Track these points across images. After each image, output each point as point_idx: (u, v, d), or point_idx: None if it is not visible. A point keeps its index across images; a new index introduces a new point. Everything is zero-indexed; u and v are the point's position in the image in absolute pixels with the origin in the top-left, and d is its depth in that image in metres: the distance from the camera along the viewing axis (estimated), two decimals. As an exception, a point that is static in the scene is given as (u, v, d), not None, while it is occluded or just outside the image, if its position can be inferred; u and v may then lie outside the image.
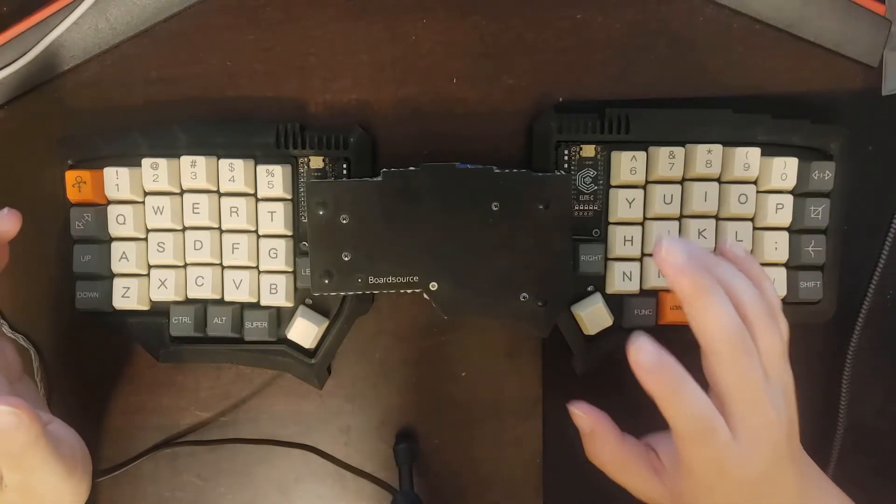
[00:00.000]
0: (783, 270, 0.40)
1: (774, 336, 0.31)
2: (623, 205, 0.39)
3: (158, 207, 0.39)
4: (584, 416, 0.33)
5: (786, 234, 0.40)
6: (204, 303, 0.40)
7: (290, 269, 0.40)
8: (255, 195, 0.40)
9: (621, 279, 0.39)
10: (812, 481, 0.34)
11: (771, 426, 0.30)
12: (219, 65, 0.42)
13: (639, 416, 0.33)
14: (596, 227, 0.40)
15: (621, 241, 0.40)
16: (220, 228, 0.40)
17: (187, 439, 0.43)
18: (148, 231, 0.40)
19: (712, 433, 0.30)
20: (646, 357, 0.29)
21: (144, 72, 0.42)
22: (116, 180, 0.39)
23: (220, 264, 0.40)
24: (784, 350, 0.32)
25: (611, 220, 0.40)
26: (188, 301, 0.40)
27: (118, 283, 0.40)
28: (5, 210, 0.35)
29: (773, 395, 0.31)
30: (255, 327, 0.40)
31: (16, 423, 0.29)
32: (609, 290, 0.40)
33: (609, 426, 0.34)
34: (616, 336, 0.40)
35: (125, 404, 0.43)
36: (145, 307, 0.41)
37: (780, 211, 0.39)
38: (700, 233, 0.39)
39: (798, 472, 0.33)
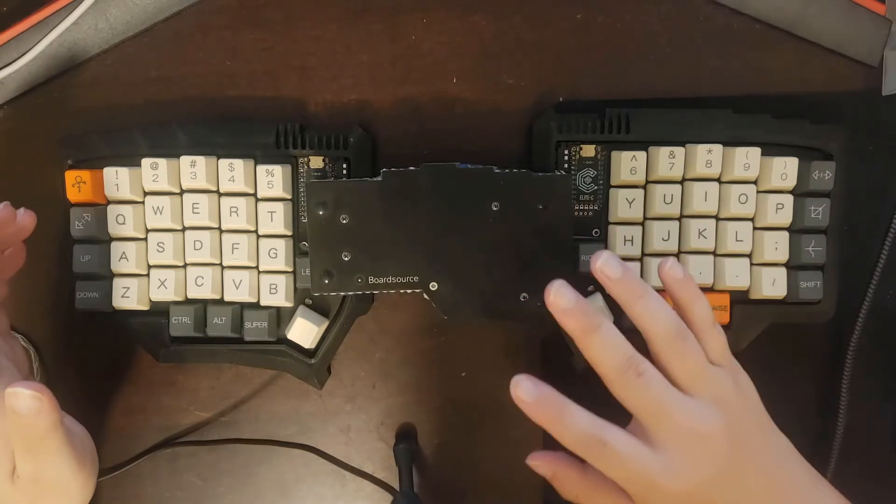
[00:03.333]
0: (783, 270, 0.40)
1: (691, 355, 0.33)
2: (623, 205, 0.39)
3: (158, 207, 0.39)
4: (541, 464, 0.35)
5: (786, 234, 0.40)
6: (204, 303, 0.40)
7: (290, 269, 0.40)
8: (255, 195, 0.40)
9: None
10: (797, 483, 0.34)
11: (697, 439, 0.31)
12: (219, 65, 0.42)
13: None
14: (596, 227, 0.40)
15: (621, 241, 0.40)
16: (220, 228, 0.40)
17: (187, 439, 0.43)
18: (148, 231, 0.40)
19: (603, 448, 0.31)
20: (525, 392, 0.31)
21: (144, 72, 0.42)
22: (116, 180, 0.39)
23: (220, 264, 0.40)
24: (704, 365, 0.33)
25: (611, 220, 0.40)
26: (188, 301, 0.40)
27: (118, 283, 0.40)
28: (22, 209, 0.36)
29: (694, 409, 0.32)
30: (255, 327, 0.40)
31: (38, 408, 0.30)
32: (609, 290, 0.40)
33: (568, 464, 0.35)
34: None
35: (125, 404, 0.43)
36: (145, 307, 0.41)
37: (781, 211, 0.39)
38: (700, 233, 0.39)
39: (768, 477, 0.33)
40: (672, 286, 0.34)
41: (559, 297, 0.32)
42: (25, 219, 0.36)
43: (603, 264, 0.32)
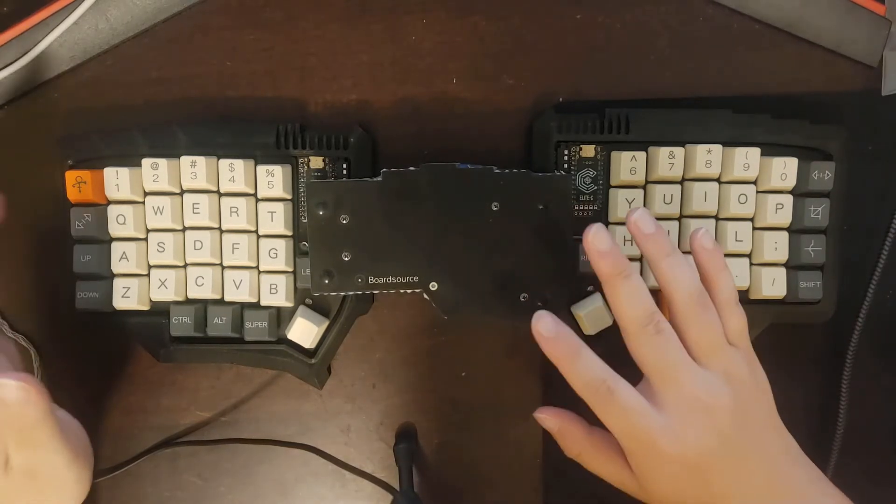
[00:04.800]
0: (783, 270, 0.40)
1: (708, 325, 0.33)
2: (623, 205, 0.39)
3: (158, 207, 0.39)
4: (548, 417, 0.36)
5: (786, 234, 0.40)
6: (204, 303, 0.40)
7: (290, 269, 0.40)
8: (255, 195, 0.40)
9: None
10: (801, 482, 0.34)
11: (702, 408, 0.32)
12: (219, 65, 0.42)
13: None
14: (596, 227, 0.40)
15: (621, 241, 0.40)
16: (220, 228, 0.40)
17: (187, 439, 0.43)
18: (148, 231, 0.40)
19: (610, 395, 0.32)
20: (544, 328, 0.32)
21: (144, 72, 0.42)
22: (116, 180, 0.39)
23: (220, 264, 0.40)
24: (722, 340, 0.33)
25: (611, 220, 0.40)
26: (188, 301, 0.40)
27: (118, 283, 0.40)
28: None
29: (703, 380, 0.32)
30: (255, 327, 0.40)
31: (25, 398, 0.30)
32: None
33: (574, 421, 0.36)
34: (616, 336, 0.40)
35: (125, 404, 0.43)
36: (145, 307, 0.41)
37: (780, 211, 0.39)
38: (700, 233, 0.39)
39: (771, 469, 0.33)
40: (700, 255, 0.35)
41: (596, 239, 0.33)
42: None
43: (637, 218, 0.33)
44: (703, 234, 0.35)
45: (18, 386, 0.30)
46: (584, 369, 0.32)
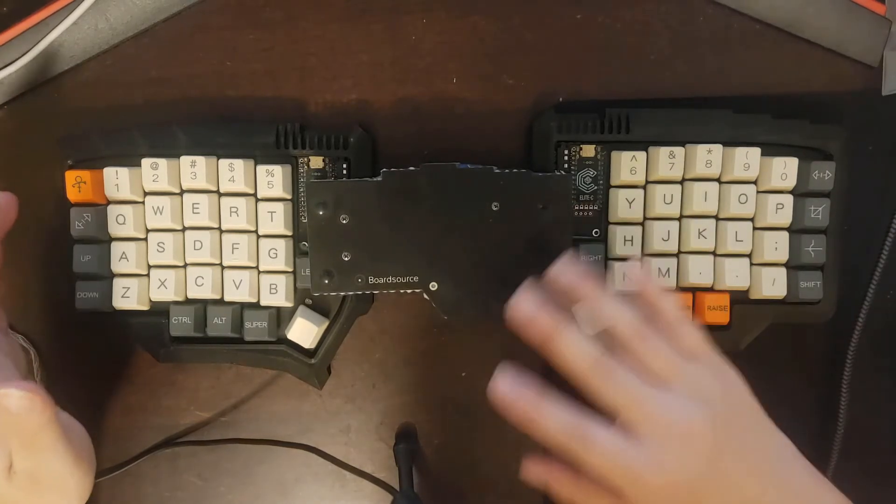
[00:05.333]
0: (783, 270, 0.40)
1: (656, 350, 0.33)
2: (623, 205, 0.39)
3: (158, 207, 0.39)
4: (533, 474, 0.35)
5: (786, 234, 0.40)
6: (204, 303, 0.40)
7: (290, 269, 0.40)
8: (255, 195, 0.40)
9: (621, 279, 0.39)
10: (797, 483, 0.33)
11: (677, 431, 0.31)
12: (219, 65, 0.42)
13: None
14: (596, 227, 0.40)
15: (621, 241, 0.40)
16: (220, 228, 0.40)
17: (187, 439, 0.43)
18: (148, 231, 0.40)
19: (584, 442, 0.31)
20: (503, 389, 0.32)
21: (144, 72, 0.42)
22: (116, 180, 0.39)
23: (220, 264, 0.40)
24: (676, 360, 0.33)
25: (611, 220, 0.40)
26: (188, 301, 0.40)
27: (118, 283, 0.40)
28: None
29: (672, 404, 0.32)
30: (255, 327, 0.40)
31: (29, 407, 0.30)
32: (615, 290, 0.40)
33: (560, 471, 0.35)
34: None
35: (125, 404, 0.43)
36: (145, 307, 0.41)
37: (780, 211, 0.39)
38: (700, 233, 0.39)
39: (763, 477, 0.32)
40: (636, 285, 0.35)
41: (517, 310, 0.33)
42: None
43: (557, 271, 0.34)
44: (632, 264, 0.35)
45: (22, 395, 0.30)
46: (551, 421, 0.32)
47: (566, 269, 0.34)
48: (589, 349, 0.32)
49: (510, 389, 0.32)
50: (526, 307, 0.33)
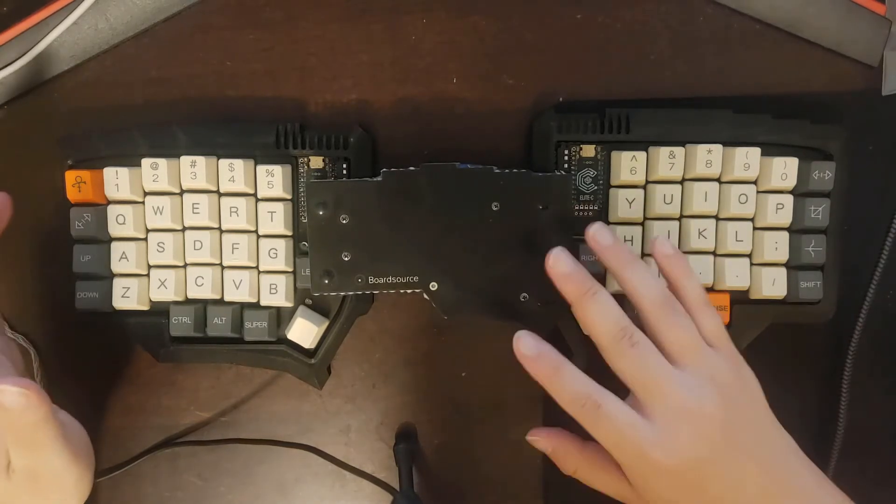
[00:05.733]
0: (783, 270, 0.40)
1: (682, 328, 0.33)
2: (623, 205, 0.39)
3: (158, 207, 0.39)
4: (540, 439, 0.36)
5: (786, 234, 0.40)
6: (204, 303, 0.40)
7: (290, 269, 0.40)
8: (255, 195, 0.40)
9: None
10: (799, 481, 0.33)
11: (689, 413, 0.32)
12: (219, 65, 0.42)
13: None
14: (596, 227, 0.40)
15: (622, 238, 0.40)
16: (220, 228, 0.40)
17: (187, 439, 0.43)
18: (148, 231, 0.40)
19: (597, 410, 0.32)
20: (525, 347, 0.33)
21: (144, 72, 0.42)
22: (116, 180, 0.39)
23: (220, 264, 0.40)
24: (698, 342, 0.33)
25: (611, 220, 0.40)
26: (188, 301, 0.40)
27: (118, 283, 0.40)
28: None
29: (688, 386, 0.32)
30: (255, 327, 0.40)
31: (25, 403, 0.30)
32: (609, 290, 0.40)
33: (568, 439, 0.36)
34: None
35: (125, 404, 0.43)
36: (145, 307, 0.41)
37: (781, 211, 0.39)
38: (700, 233, 0.39)
39: (766, 471, 0.32)
40: (661, 262, 0.35)
41: (558, 262, 0.33)
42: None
43: (595, 232, 0.34)
44: (661, 241, 0.35)
45: (19, 392, 0.30)
46: (568, 385, 0.32)
47: (602, 232, 0.34)
48: (618, 317, 0.33)
49: (535, 347, 0.33)
50: (566, 261, 0.33)
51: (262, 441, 0.42)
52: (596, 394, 0.32)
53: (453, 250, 0.38)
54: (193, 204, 0.39)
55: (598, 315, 0.33)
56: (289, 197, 0.40)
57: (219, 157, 0.40)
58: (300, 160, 0.40)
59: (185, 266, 0.40)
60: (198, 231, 0.40)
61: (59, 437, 0.33)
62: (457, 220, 0.37)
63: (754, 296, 0.40)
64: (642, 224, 0.40)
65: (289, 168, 0.40)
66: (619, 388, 0.33)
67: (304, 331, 0.40)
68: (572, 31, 0.41)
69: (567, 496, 0.43)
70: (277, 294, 0.40)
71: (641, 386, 0.32)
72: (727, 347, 0.34)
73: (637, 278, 0.33)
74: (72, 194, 0.40)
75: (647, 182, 0.40)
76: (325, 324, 0.41)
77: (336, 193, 0.37)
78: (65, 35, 0.41)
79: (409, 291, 0.38)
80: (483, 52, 0.41)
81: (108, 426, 0.43)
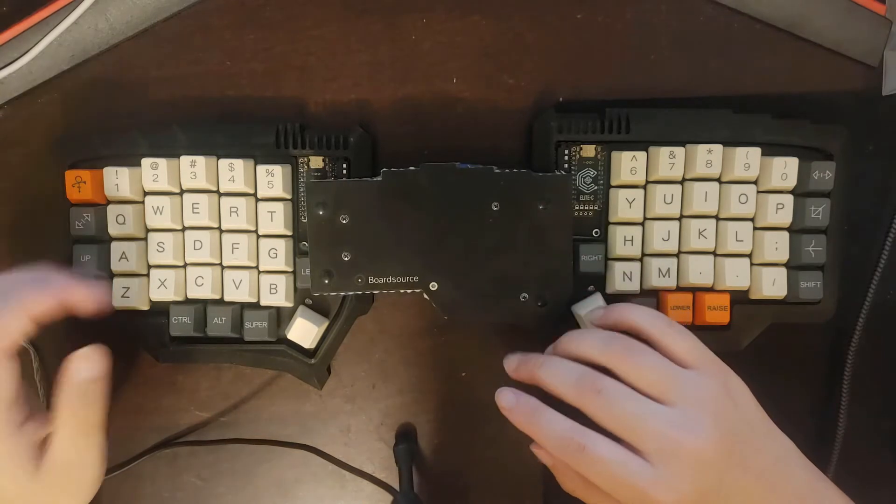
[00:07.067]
0: (783, 270, 0.40)
1: (646, 366, 0.32)
2: (623, 205, 0.39)
3: (158, 207, 0.39)
4: (543, 453, 0.35)
5: (786, 234, 0.40)
6: (204, 303, 0.40)
7: (290, 269, 0.40)
8: (255, 195, 0.40)
9: (622, 279, 0.39)
10: (801, 486, 0.33)
11: (684, 449, 0.31)
12: (219, 65, 0.42)
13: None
14: (596, 227, 0.40)
15: (621, 241, 0.40)
16: (219, 228, 0.40)
17: (187, 439, 0.43)
18: (148, 231, 0.40)
19: (582, 451, 0.31)
20: (504, 400, 0.35)
21: (144, 72, 0.42)
22: (116, 180, 0.39)
23: (220, 264, 0.40)
24: (668, 372, 0.32)
25: (611, 220, 0.40)
26: (188, 301, 0.40)
27: (118, 283, 0.40)
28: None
29: (672, 419, 0.31)
30: (255, 327, 0.40)
31: (101, 371, 0.35)
32: (609, 290, 0.40)
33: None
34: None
35: (125, 404, 0.43)
36: (145, 307, 0.41)
37: (781, 211, 0.39)
38: (700, 233, 0.39)
39: (770, 482, 0.32)
40: (597, 324, 0.36)
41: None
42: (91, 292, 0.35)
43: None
44: (594, 311, 0.37)
45: (96, 354, 0.33)
46: (547, 429, 0.32)
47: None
48: (569, 370, 0.33)
49: (511, 400, 0.34)
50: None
51: (261, 441, 0.42)
52: (578, 435, 0.32)
53: (453, 250, 0.38)
54: (193, 204, 0.39)
55: (550, 380, 0.34)
56: (289, 197, 0.40)
57: (219, 157, 0.40)
58: (300, 160, 0.40)
59: (184, 266, 0.40)
60: (198, 231, 0.40)
61: (104, 411, 0.34)
62: (457, 220, 0.37)
63: (754, 296, 0.40)
64: (642, 224, 0.40)
65: (289, 168, 0.40)
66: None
67: (304, 331, 0.40)
68: (572, 31, 0.41)
69: (567, 496, 0.43)
70: (277, 294, 0.40)
71: (625, 430, 0.31)
72: (706, 362, 0.33)
73: (580, 342, 0.34)
74: (72, 194, 0.40)
75: (648, 182, 0.40)
76: (325, 324, 0.41)
77: (336, 193, 0.37)
78: (65, 35, 0.41)
79: (408, 291, 0.38)
80: (483, 52, 0.41)
81: (108, 426, 0.43)
